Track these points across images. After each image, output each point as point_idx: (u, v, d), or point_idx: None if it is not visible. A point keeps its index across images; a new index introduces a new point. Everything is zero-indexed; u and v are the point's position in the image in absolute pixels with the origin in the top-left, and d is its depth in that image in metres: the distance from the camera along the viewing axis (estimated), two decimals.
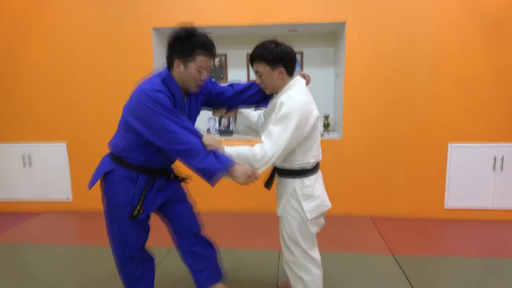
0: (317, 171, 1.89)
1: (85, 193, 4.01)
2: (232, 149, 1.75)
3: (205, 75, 1.78)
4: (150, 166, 1.83)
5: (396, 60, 3.50)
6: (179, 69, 1.75)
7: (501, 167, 3.52)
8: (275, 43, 1.79)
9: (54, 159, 3.96)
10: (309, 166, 1.83)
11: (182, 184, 2.11)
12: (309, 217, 1.82)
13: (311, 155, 1.82)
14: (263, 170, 1.74)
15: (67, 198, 4.02)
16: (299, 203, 1.82)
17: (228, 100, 2.06)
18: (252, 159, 1.71)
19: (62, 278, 2.63)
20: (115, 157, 1.86)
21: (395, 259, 2.84)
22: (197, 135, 1.73)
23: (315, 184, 1.85)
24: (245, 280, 2.56)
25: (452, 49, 3.42)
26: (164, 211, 2.05)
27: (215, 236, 2.19)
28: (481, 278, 2.58)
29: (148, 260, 2.11)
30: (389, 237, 3.23)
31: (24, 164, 3.97)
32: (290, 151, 1.78)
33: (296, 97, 1.73)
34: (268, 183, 1.99)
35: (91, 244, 3.21)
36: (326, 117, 4.07)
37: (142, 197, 1.80)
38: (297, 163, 1.82)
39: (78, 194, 4.03)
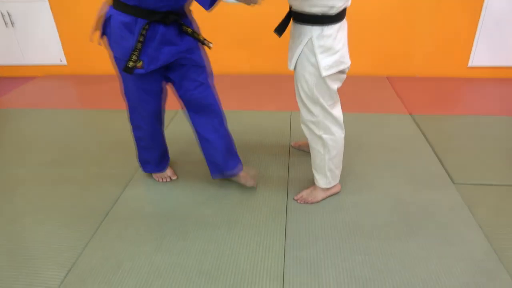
0: (341, 20, 1.54)
1: (80, 55, 3.74)
2: None
3: None
4: (146, 6, 1.47)
5: None
6: None
7: None
8: None
9: (38, 19, 3.54)
10: (333, 11, 1.46)
11: (203, 49, 1.74)
12: (323, 74, 1.55)
13: None
14: None
15: (60, 61, 3.74)
16: (315, 56, 1.54)
17: None
18: None
19: (68, 143, 2.54)
20: None
21: (412, 118, 2.71)
22: None
23: (336, 35, 1.52)
24: (257, 141, 2.47)
25: None
26: (173, 76, 1.73)
27: (223, 99, 1.88)
28: (500, 136, 2.47)
29: (158, 133, 1.95)
30: (407, 97, 3.05)
31: (6, 23, 3.57)
32: None
33: None
34: (280, 29, 1.64)
35: (93, 108, 3.07)
36: None
37: (137, 44, 1.50)
38: (319, 3, 1.45)
39: (71, 57, 3.73)
